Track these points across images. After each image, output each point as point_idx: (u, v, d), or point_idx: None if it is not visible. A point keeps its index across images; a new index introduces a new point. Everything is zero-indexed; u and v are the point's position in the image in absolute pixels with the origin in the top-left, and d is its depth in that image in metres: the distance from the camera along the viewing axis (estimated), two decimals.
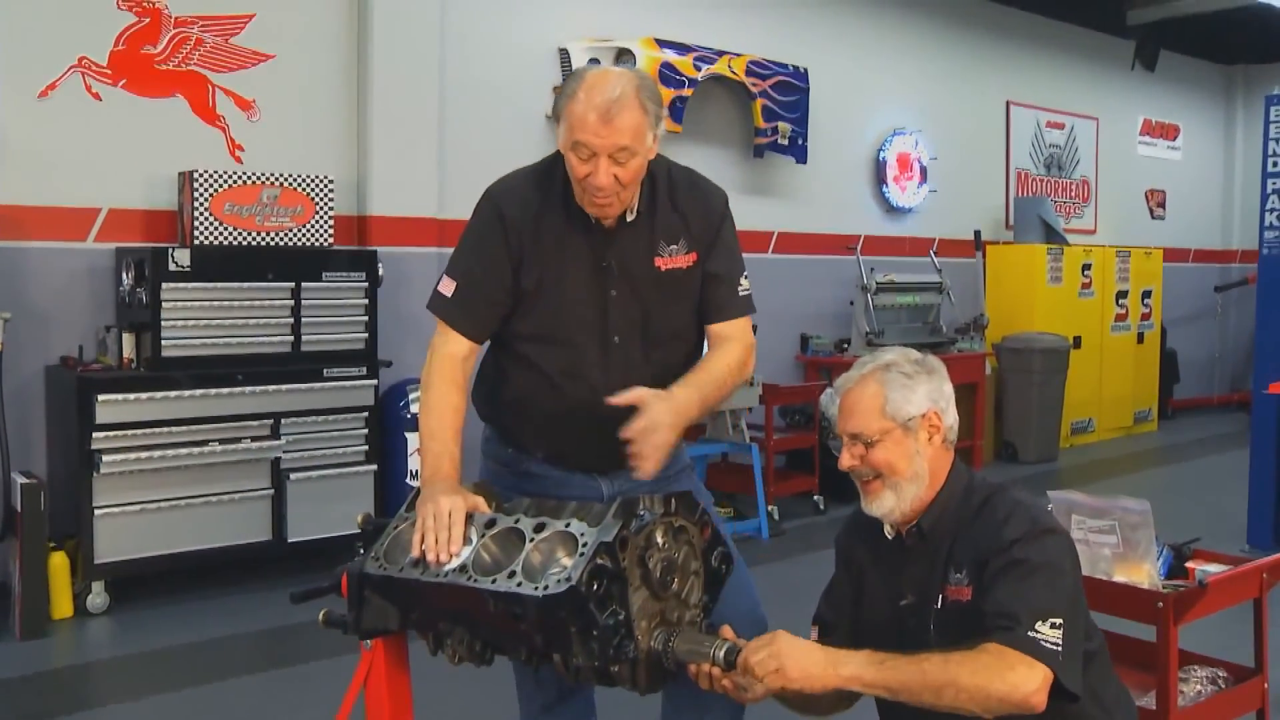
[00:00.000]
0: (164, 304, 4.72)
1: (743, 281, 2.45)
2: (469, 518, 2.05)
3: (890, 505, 2.12)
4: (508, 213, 2.30)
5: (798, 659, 1.93)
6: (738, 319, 2.44)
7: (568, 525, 1.95)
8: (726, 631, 2.04)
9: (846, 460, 2.15)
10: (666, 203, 2.34)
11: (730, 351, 2.39)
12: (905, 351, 2.20)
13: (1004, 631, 1.91)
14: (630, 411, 2.30)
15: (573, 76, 2.23)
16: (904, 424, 2.10)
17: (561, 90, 2.23)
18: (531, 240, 2.29)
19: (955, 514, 2.12)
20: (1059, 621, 1.91)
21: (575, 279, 2.30)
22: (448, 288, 2.33)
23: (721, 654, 1.94)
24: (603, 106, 2.13)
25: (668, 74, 6.53)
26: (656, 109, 2.21)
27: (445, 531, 1.99)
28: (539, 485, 2.37)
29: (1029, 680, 1.86)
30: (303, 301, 5.07)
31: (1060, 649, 1.90)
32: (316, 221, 5.16)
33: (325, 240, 5.20)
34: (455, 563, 1.99)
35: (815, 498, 6.72)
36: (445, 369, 2.30)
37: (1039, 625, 1.90)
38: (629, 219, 2.31)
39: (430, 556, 1.98)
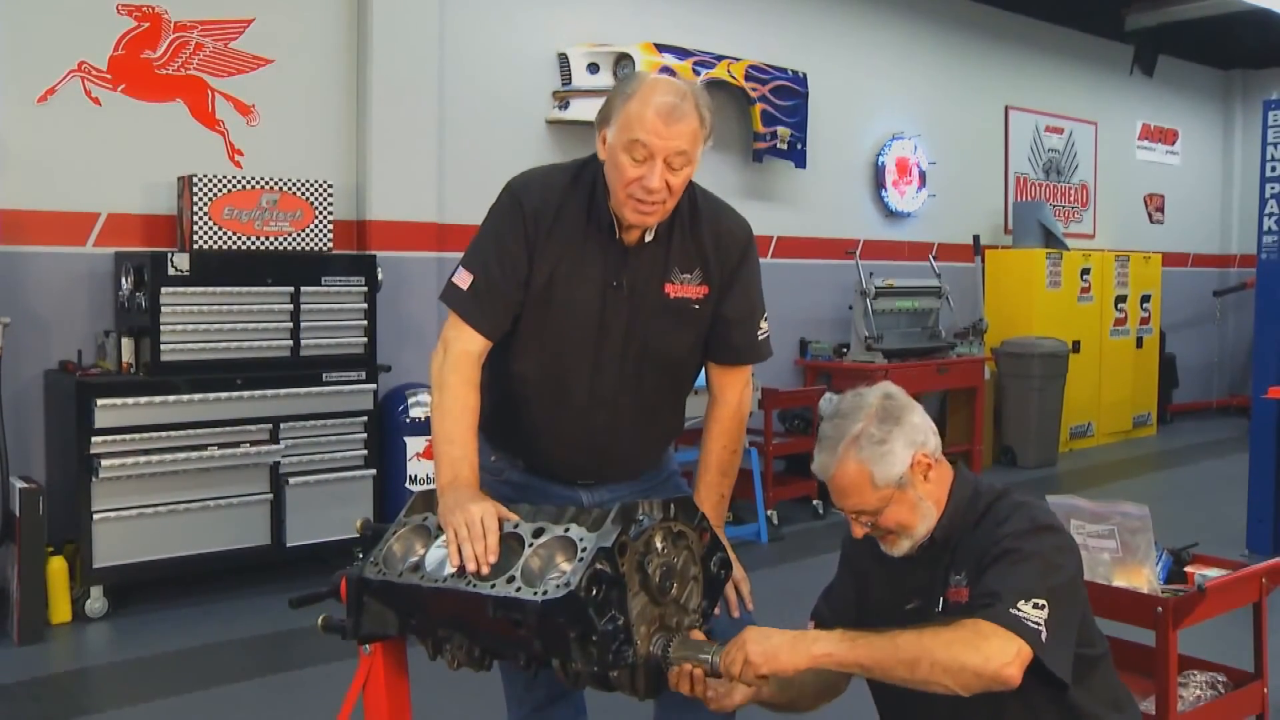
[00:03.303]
0: (163, 309, 4.73)
1: (762, 324, 2.39)
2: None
3: (909, 547, 2.13)
4: (527, 205, 2.23)
5: (760, 642, 1.92)
6: (747, 366, 2.42)
7: (567, 530, 1.95)
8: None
9: (859, 531, 2.15)
10: (685, 229, 2.27)
11: (728, 432, 2.39)
12: (862, 404, 2.11)
13: (984, 608, 1.91)
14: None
15: (630, 78, 2.18)
16: (898, 484, 2.07)
17: (617, 90, 2.16)
18: (545, 237, 2.22)
19: (963, 519, 2.12)
20: (1042, 603, 1.90)
21: (581, 290, 2.24)
22: (464, 280, 2.23)
23: (719, 659, 1.94)
24: (667, 107, 2.08)
25: None
26: (711, 120, 2.16)
27: (482, 541, 1.96)
28: (520, 494, 2.33)
29: (1003, 652, 1.84)
30: (302, 306, 5.07)
31: (1042, 629, 1.88)
32: (316, 226, 5.16)
33: (324, 245, 5.20)
34: (450, 568, 1.99)
35: (814, 502, 6.72)
36: (461, 367, 2.21)
37: (1021, 604, 1.89)
38: (647, 239, 2.24)
39: (471, 567, 1.95)
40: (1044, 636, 1.88)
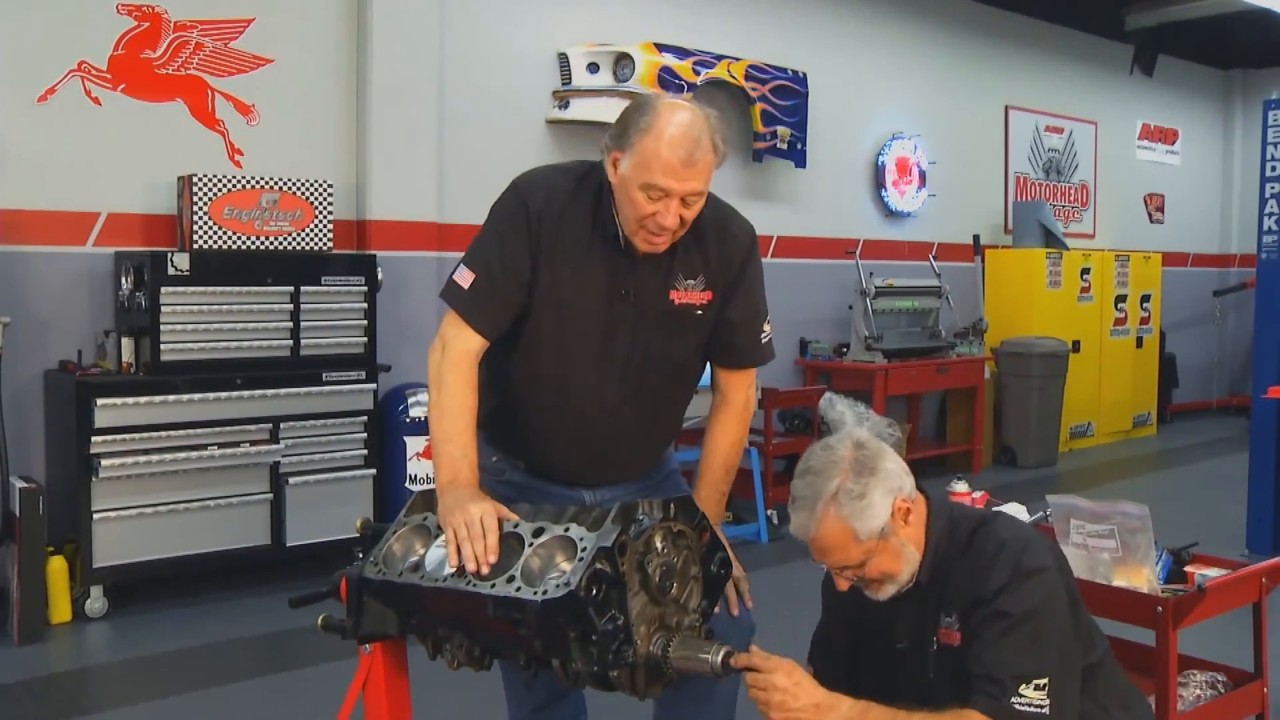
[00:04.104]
0: (163, 308, 4.72)
1: (765, 327, 2.39)
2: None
3: (894, 591, 2.11)
4: (532, 205, 2.21)
5: (790, 707, 1.92)
6: (751, 368, 2.42)
7: (567, 530, 1.95)
8: None
9: (844, 585, 2.13)
10: (689, 236, 2.24)
11: (733, 431, 2.39)
12: (834, 458, 2.05)
13: (989, 699, 1.93)
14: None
15: (643, 108, 2.11)
16: (880, 535, 2.04)
17: (631, 119, 2.11)
18: (550, 240, 2.21)
19: (945, 554, 2.10)
20: (1043, 682, 1.93)
21: (586, 295, 2.23)
22: (465, 279, 2.22)
23: (719, 659, 1.94)
24: (686, 150, 2.05)
25: (667, 78, 6.53)
26: (724, 148, 2.14)
27: (481, 541, 1.96)
28: (521, 494, 2.33)
29: None
30: (302, 306, 5.07)
31: (1046, 709, 1.92)
32: (316, 226, 5.16)
33: (324, 244, 5.20)
34: (450, 568, 1.99)
35: None
36: (460, 366, 2.20)
37: (1023, 690, 1.92)
38: None
39: (470, 567, 1.94)
40: (1049, 712, 1.92)
